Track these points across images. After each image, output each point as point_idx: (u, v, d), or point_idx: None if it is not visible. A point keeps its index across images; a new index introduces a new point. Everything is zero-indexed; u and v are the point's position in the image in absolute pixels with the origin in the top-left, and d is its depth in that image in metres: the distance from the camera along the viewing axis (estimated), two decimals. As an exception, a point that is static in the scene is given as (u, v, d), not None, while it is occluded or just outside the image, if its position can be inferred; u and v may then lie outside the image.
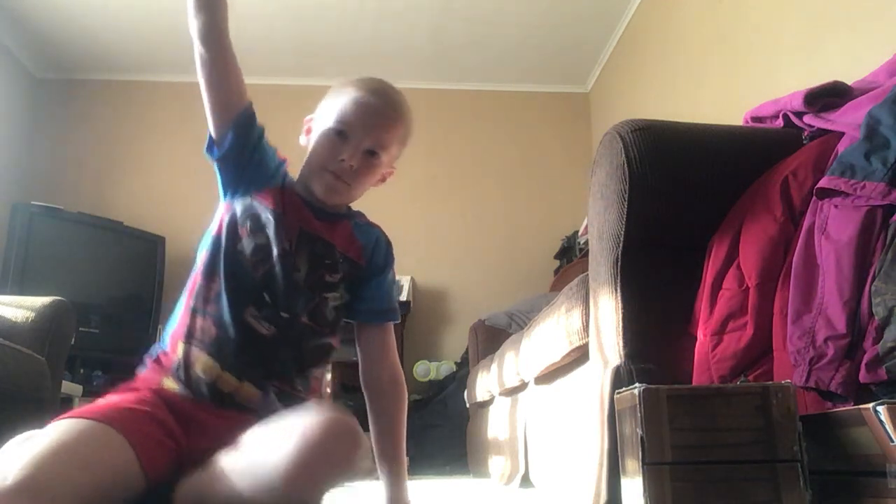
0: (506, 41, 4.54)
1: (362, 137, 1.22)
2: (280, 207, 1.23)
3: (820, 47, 2.33)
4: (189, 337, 1.18)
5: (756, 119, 1.51)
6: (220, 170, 1.25)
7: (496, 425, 2.64)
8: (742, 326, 1.10)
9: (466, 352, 3.88)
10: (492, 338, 3.34)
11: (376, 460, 1.34)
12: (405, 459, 1.36)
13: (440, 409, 3.94)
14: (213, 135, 1.22)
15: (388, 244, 1.36)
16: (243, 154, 1.23)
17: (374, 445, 1.34)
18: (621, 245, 1.25)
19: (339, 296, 1.26)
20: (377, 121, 1.24)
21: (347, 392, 3.89)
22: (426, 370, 4.33)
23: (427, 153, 4.96)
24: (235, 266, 1.20)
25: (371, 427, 1.36)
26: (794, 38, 2.49)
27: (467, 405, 3.42)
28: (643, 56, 4.01)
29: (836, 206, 1.02)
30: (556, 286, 4.04)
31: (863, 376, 0.91)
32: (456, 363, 4.31)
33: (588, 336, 1.42)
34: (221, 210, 1.26)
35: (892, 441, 0.77)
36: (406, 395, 1.39)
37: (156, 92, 4.72)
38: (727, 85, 3.01)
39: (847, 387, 0.93)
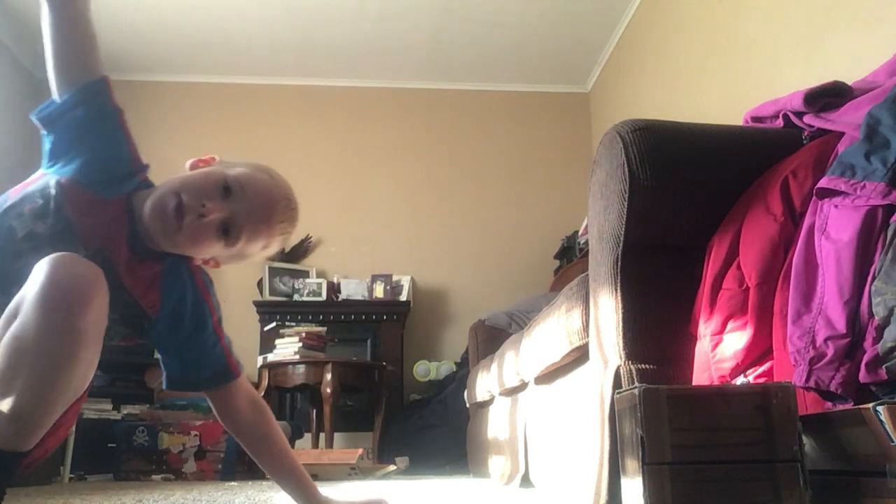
0: (506, 41, 4.54)
1: (241, 210, 1.10)
2: (87, 215, 1.09)
3: (820, 47, 2.33)
4: None
5: (756, 119, 1.51)
6: (48, 133, 1.12)
7: (496, 425, 2.64)
8: (742, 326, 1.10)
9: (466, 352, 3.88)
10: (492, 338, 3.34)
11: (279, 484, 1.32)
12: (300, 465, 1.31)
13: (440, 409, 3.94)
14: (56, 96, 1.11)
15: (201, 301, 1.19)
16: (77, 123, 1.10)
17: (269, 471, 1.31)
18: (621, 245, 1.25)
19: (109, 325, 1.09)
20: (270, 216, 1.13)
21: (347, 392, 3.89)
22: (426, 370, 4.33)
23: (427, 153, 4.97)
24: (1, 244, 1.07)
25: (260, 456, 1.30)
26: (794, 38, 2.49)
27: (467, 405, 3.42)
28: (643, 56, 4.01)
29: (836, 206, 1.02)
30: (556, 286, 4.04)
31: (863, 376, 0.91)
32: (456, 363, 4.31)
33: (588, 336, 1.42)
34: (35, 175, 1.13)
35: (892, 441, 0.77)
36: (267, 408, 1.32)
37: (156, 92, 4.72)
38: (727, 85, 3.01)
39: (847, 387, 0.93)
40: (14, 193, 1.12)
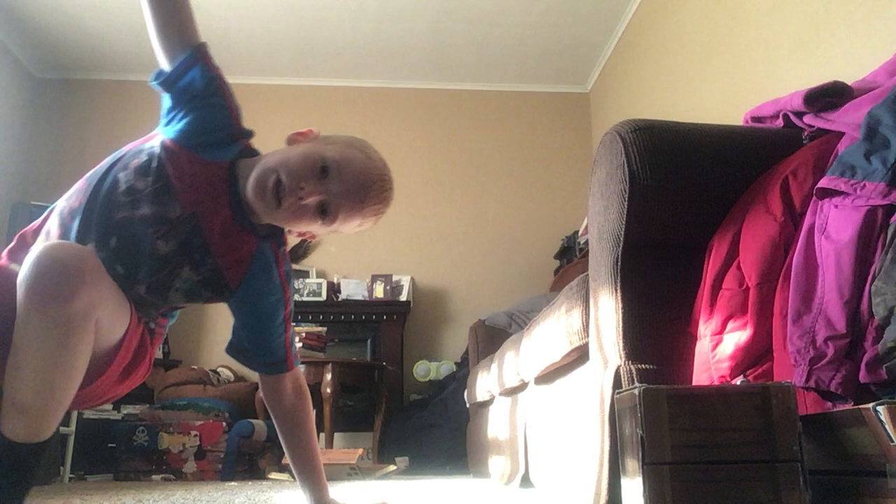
0: (506, 41, 4.54)
1: (338, 192, 1.12)
2: (187, 175, 1.12)
3: (820, 47, 2.33)
4: (34, 234, 1.17)
5: (756, 119, 1.51)
6: (167, 93, 1.17)
7: (496, 425, 2.64)
8: (742, 326, 1.10)
9: (466, 352, 3.89)
10: (492, 338, 3.34)
11: (294, 470, 1.32)
12: (321, 463, 1.32)
13: (440, 409, 3.94)
14: (166, 61, 1.17)
15: (280, 291, 1.23)
16: (184, 87, 1.14)
17: (290, 456, 1.31)
18: (621, 245, 1.25)
19: (190, 286, 1.16)
20: (365, 198, 1.15)
21: (347, 392, 3.89)
22: (426, 370, 4.33)
23: (427, 153, 4.97)
24: (105, 193, 1.11)
25: (288, 441, 1.31)
26: (794, 38, 2.49)
27: (467, 405, 3.42)
28: (643, 56, 4.01)
29: (836, 206, 1.02)
30: (556, 286, 4.05)
31: (863, 376, 0.91)
32: (456, 363, 4.31)
33: (588, 336, 1.42)
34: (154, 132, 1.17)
35: (892, 441, 0.77)
36: (309, 397, 1.33)
37: (155, 92, 4.71)
38: (727, 85, 3.01)
39: (847, 387, 0.93)
40: (131, 147, 1.17)
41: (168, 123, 1.16)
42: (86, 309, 0.94)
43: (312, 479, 1.30)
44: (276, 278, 1.22)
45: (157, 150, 1.13)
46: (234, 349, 1.26)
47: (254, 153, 1.20)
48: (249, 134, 1.21)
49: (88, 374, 1.00)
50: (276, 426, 1.31)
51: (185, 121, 1.14)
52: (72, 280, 0.92)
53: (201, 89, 1.14)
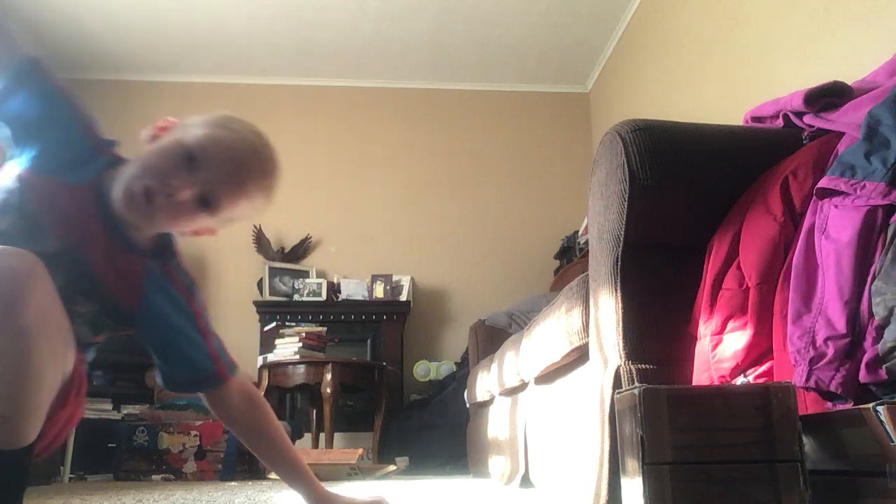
0: (506, 41, 4.54)
1: (212, 179, 1.03)
2: (54, 207, 1.02)
3: (820, 47, 2.33)
4: None
5: (756, 119, 1.51)
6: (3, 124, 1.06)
7: (496, 425, 2.64)
8: (742, 326, 1.10)
9: (466, 352, 3.89)
10: (492, 338, 3.34)
11: (280, 475, 1.29)
12: (304, 463, 1.28)
13: (440, 409, 3.94)
14: None
15: (182, 306, 1.16)
16: (20, 111, 1.02)
17: (268, 465, 1.29)
18: (621, 245, 1.25)
19: (92, 318, 1.08)
20: (243, 177, 1.06)
21: (347, 392, 3.89)
22: (426, 370, 4.33)
23: (427, 153, 4.97)
24: None
25: (257, 451, 1.28)
26: (794, 38, 2.49)
27: (467, 405, 3.42)
28: (643, 56, 4.01)
29: (836, 206, 1.02)
30: (556, 286, 4.04)
31: (863, 376, 0.91)
32: (456, 363, 4.31)
33: (588, 336, 1.42)
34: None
35: (892, 441, 0.77)
36: (263, 402, 1.28)
37: (156, 92, 4.72)
38: (727, 85, 3.01)
39: (847, 387, 0.93)
40: None
41: (21, 153, 1.05)
42: (43, 309, 0.90)
43: (298, 479, 1.27)
44: (176, 294, 1.16)
45: (12, 184, 1.03)
46: (166, 381, 1.21)
47: (120, 161, 1.10)
48: (111, 143, 1.12)
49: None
50: (242, 442, 1.27)
51: (38, 145, 1.04)
52: (21, 286, 0.87)
53: (38, 111, 1.04)
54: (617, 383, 1.20)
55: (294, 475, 1.27)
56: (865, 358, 0.91)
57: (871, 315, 0.92)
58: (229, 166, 1.05)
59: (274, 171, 1.13)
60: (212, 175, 1.04)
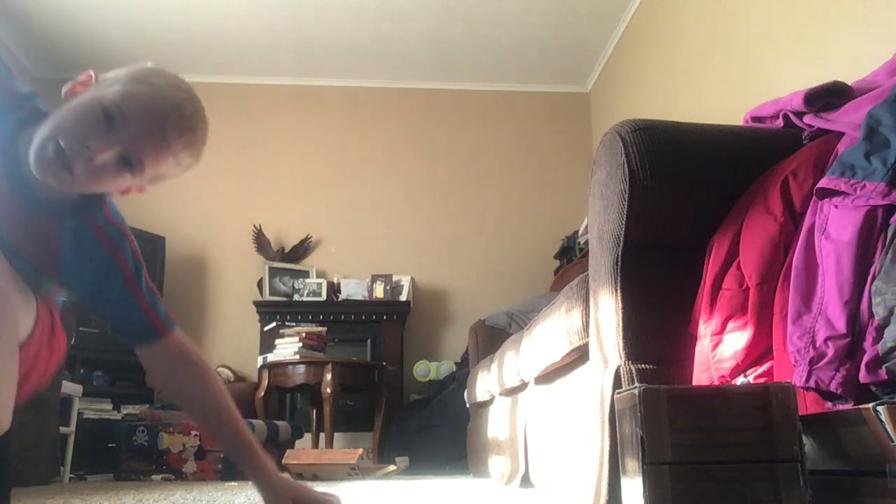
0: (506, 41, 4.54)
1: (132, 137, 0.98)
2: None
3: (820, 47, 2.33)
4: None
5: (756, 119, 1.51)
6: None
7: (496, 425, 2.64)
8: (742, 326, 1.10)
9: (466, 352, 3.88)
10: (492, 338, 3.34)
11: (224, 449, 1.23)
12: (251, 434, 1.21)
13: (440, 409, 3.95)
14: None
15: (106, 259, 1.10)
16: None
17: (215, 438, 1.21)
18: (621, 245, 1.25)
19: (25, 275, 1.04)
20: (165, 133, 1.00)
21: (347, 392, 3.89)
22: (426, 370, 4.33)
23: (427, 153, 4.97)
24: None
25: (196, 420, 1.21)
26: (794, 38, 2.49)
27: (467, 405, 3.42)
28: (643, 56, 4.01)
29: (836, 206, 1.02)
30: (556, 286, 4.04)
31: (863, 376, 0.91)
32: (456, 363, 4.31)
33: (588, 336, 1.42)
34: None
35: (892, 441, 0.77)
36: (204, 362, 1.22)
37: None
38: (727, 85, 3.01)
39: (847, 387, 0.93)
40: None
41: None
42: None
43: (245, 459, 1.18)
44: (99, 248, 1.10)
45: None
46: (111, 332, 1.17)
47: (39, 116, 1.02)
48: (29, 97, 1.05)
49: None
50: (183, 409, 1.20)
51: None
52: None
53: None
54: (617, 383, 1.20)
55: (240, 453, 1.19)
56: (865, 358, 0.91)
57: (871, 315, 0.92)
58: (149, 124, 0.99)
59: (199, 127, 1.06)
60: (132, 134, 0.98)
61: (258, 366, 4.02)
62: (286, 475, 3.13)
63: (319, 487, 1.33)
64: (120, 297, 1.12)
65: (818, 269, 1.01)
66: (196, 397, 1.20)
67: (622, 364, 1.22)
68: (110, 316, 1.15)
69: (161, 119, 1.00)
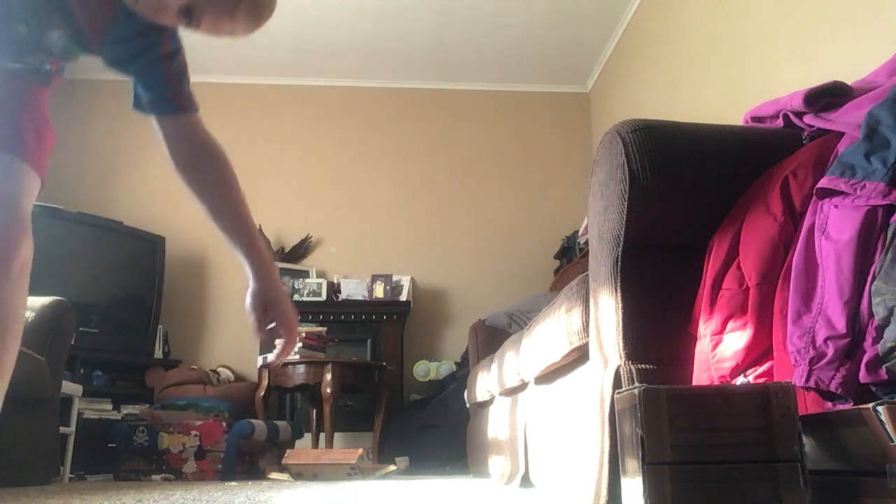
0: (506, 41, 4.54)
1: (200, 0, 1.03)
2: None
3: (820, 47, 2.33)
4: None
5: (756, 119, 1.51)
6: None
7: (496, 425, 2.64)
8: (742, 326, 1.10)
9: (466, 352, 3.89)
10: (492, 338, 3.34)
11: (231, 242, 1.25)
12: (256, 230, 1.25)
13: (440, 409, 3.95)
14: None
15: (150, 32, 1.15)
16: None
17: (220, 226, 1.24)
18: (621, 245, 1.25)
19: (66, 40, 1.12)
20: (231, 10, 1.06)
21: (347, 392, 3.89)
22: (426, 370, 4.33)
23: (427, 153, 4.97)
24: None
25: (207, 206, 1.24)
26: (794, 38, 2.49)
27: (467, 405, 3.42)
28: (643, 56, 4.01)
29: (836, 206, 1.02)
30: (556, 286, 4.04)
31: (863, 376, 0.91)
32: (456, 363, 4.31)
33: (588, 336, 1.42)
34: None
35: (892, 441, 0.77)
36: (224, 154, 1.26)
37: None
38: (727, 85, 3.01)
39: (847, 387, 0.93)
40: None
41: None
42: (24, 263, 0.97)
43: (246, 248, 1.24)
44: (149, 29, 1.15)
45: None
46: (134, 101, 1.23)
47: None
48: None
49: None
50: (195, 196, 1.24)
51: None
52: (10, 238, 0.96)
53: None
54: (617, 383, 1.20)
55: (244, 246, 1.24)
56: (865, 358, 0.91)
57: (871, 315, 0.92)
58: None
59: (267, 12, 1.14)
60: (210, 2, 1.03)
61: (258, 366, 4.02)
62: (286, 474, 3.14)
63: (319, 487, 1.33)
64: (150, 66, 1.18)
65: (818, 269, 1.01)
66: (209, 185, 1.24)
67: (622, 364, 1.22)
68: (137, 81, 1.20)
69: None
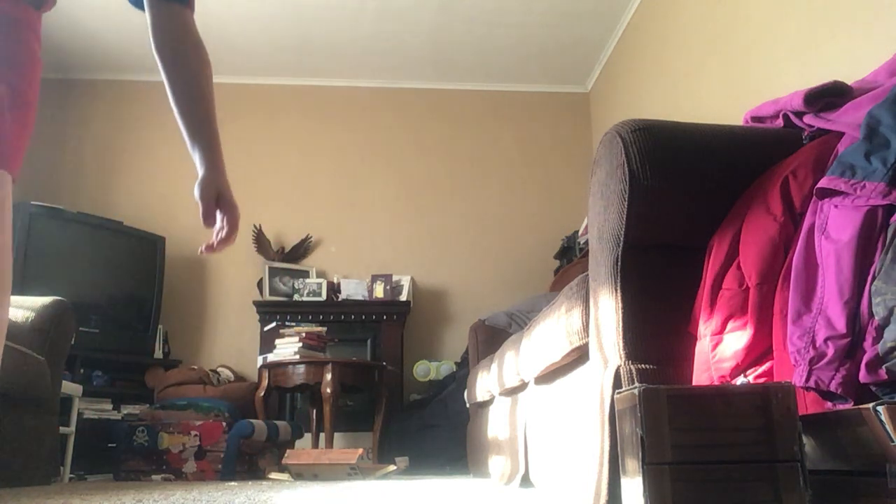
0: (506, 41, 4.54)
1: None
2: None
3: (820, 47, 2.33)
4: None
5: (756, 119, 1.51)
6: None
7: (496, 425, 2.64)
8: (742, 326, 1.10)
9: (466, 352, 3.89)
10: (492, 338, 3.34)
11: (188, 130, 1.24)
12: (215, 119, 1.24)
13: (440, 409, 3.95)
14: None
15: None
16: None
17: (182, 111, 1.23)
18: (621, 245, 1.25)
19: None
20: None
21: (347, 392, 3.89)
22: (426, 370, 4.33)
23: (427, 153, 4.97)
24: None
25: (171, 94, 1.23)
26: (794, 38, 2.49)
27: (467, 405, 3.42)
28: (643, 56, 4.01)
29: (836, 206, 1.02)
30: (556, 286, 4.05)
31: (863, 376, 0.91)
32: (456, 363, 4.31)
33: (588, 336, 1.42)
34: None
35: (892, 441, 0.77)
36: (208, 59, 1.25)
37: (156, 92, 4.71)
38: (727, 85, 3.01)
39: (847, 387, 0.93)
40: None
41: None
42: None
43: (203, 140, 1.24)
44: None
45: None
46: None
47: None
48: None
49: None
50: (163, 77, 1.23)
51: None
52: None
53: None
54: (617, 383, 1.20)
55: (202, 139, 1.25)
56: (865, 358, 0.91)
57: (871, 315, 0.92)
58: None
59: None
60: None
61: (258, 366, 4.02)
62: (286, 474, 3.14)
63: (319, 487, 1.33)
64: None
65: (818, 269, 1.01)
66: (184, 77, 1.24)
67: (622, 364, 1.22)
68: None
69: None
